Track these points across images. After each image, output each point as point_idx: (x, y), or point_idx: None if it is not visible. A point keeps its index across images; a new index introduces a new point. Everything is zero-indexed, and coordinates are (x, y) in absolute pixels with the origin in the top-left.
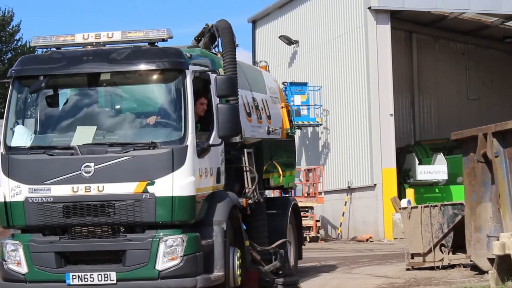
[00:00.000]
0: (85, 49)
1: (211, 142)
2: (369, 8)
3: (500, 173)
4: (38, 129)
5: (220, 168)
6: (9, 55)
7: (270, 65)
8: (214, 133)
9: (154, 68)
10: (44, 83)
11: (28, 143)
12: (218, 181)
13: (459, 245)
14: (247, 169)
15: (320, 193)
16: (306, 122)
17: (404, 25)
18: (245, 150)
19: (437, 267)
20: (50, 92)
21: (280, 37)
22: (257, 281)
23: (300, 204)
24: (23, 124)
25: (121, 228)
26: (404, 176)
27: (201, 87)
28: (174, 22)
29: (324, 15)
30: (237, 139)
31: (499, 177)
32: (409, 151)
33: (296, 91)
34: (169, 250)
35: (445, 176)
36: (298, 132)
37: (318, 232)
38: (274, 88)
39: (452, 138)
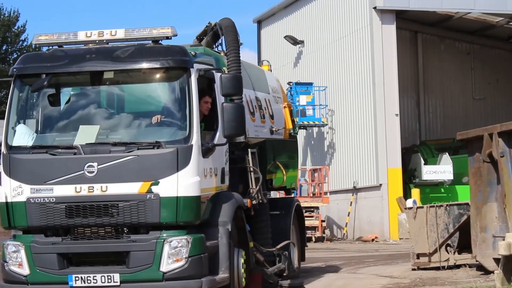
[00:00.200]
0: (88, 47)
1: (215, 141)
2: (375, 8)
3: (506, 173)
4: (40, 128)
5: (225, 168)
6: (15, 55)
7: (276, 65)
8: (218, 133)
9: (158, 66)
10: (46, 82)
11: (30, 143)
12: (222, 181)
13: (464, 245)
14: (251, 169)
15: (325, 193)
16: (311, 122)
17: (409, 25)
18: (249, 150)
19: (443, 267)
20: (52, 90)
21: (285, 37)
22: (261, 283)
23: (305, 204)
24: (24, 123)
25: (125, 229)
26: (410, 176)
27: (206, 86)
28: (178, 23)
29: (330, 15)
30: (241, 138)
31: (504, 177)
32: (414, 151)
33: (302, 91)
34: (174, 252)
35: (450, 176)
36: (303, 132)
37: (324, 232)
38: (277, 88)
39: (457, 138)
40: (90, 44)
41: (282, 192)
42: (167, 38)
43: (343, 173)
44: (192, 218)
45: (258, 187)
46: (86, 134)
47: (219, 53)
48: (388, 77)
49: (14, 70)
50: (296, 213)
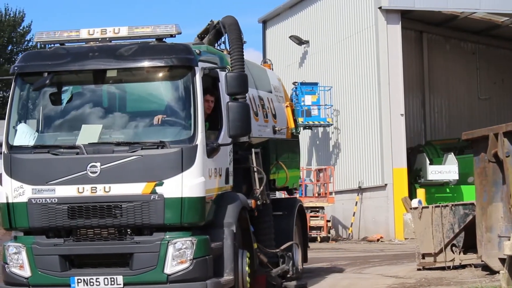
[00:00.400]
0: (90, 45)
1: (220, 141)
2: (380, 8)
3: (511, 173)
4: (41, 128)
5: (229, 169)
6: (20, 56)
7: (281, 65)
8: (223, 132)
9: (162, 64)
10: (48, 80)
11: (31, 142)
12: (226, 181)
13: (470, 245)
14: (255, 169)
15: (330, 193)
16: (316, 122)
17: (414, 25)
18: (252, 150)
19: (448, 267)
20: (54, 89)
21: (290, 37)
22: (265, 284)
23: (310, 204)
24: (26, 122)
25: (128, 230)
26: (415, 176)
27: (210, 85)
28: (182, 22)
29: (335, 15)
30: (245, 138)
31: (510, 177)
32: (419, 151)
33: (307, 91)
34: (178, 253)
35: (456, 176)
36: (308, 132)
37: (329, 232)
38: (279, 87)
39: (463, 138)
40: (93, 42)
41: (285, 192)
42: (171, 36)
43: (348, 173)
44: (197, 219)
45: (262, 187)
46: (88, 134)
47: (222, 51)
48: (394, 77)
49: (15, 68)
50: (298, 214)
